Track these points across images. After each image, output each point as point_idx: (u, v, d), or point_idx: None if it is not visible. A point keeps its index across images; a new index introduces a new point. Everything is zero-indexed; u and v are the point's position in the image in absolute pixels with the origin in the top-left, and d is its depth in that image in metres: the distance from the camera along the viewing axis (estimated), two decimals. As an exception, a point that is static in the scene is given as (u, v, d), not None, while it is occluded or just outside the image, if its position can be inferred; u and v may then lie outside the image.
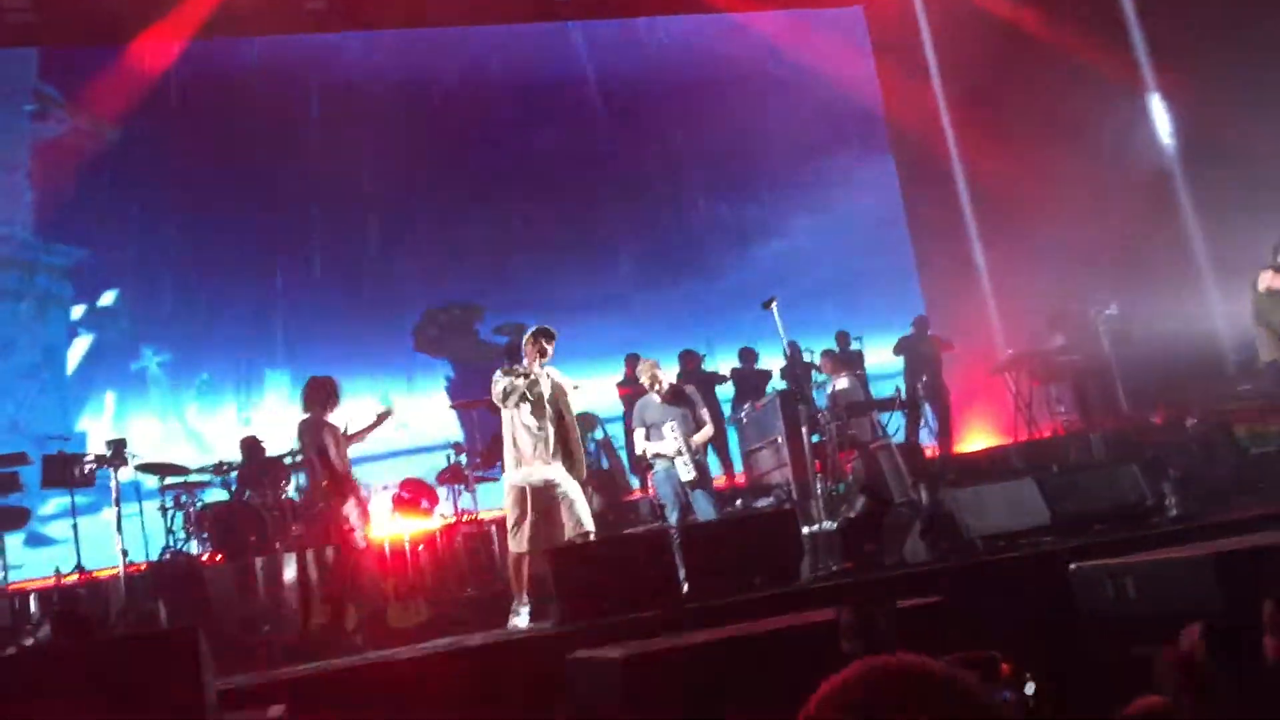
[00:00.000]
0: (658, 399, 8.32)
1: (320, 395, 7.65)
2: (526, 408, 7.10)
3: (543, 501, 7.05)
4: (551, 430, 7.12)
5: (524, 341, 7.24)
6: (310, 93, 13.33)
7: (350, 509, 7.55)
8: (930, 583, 5.90)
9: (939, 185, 15.18)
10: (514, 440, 7.13)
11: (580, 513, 7.03)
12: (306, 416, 7.70)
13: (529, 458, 7.07)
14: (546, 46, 15.04)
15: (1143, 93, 13.21)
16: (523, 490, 7.07)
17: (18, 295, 12.81)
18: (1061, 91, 12.70)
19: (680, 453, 8.09)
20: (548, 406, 7.14)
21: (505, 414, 7.20)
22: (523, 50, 14.79)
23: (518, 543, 7.04)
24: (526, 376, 7.11)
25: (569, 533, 6.98)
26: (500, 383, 7.14)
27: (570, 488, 7.07)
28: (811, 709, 1.37)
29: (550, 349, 7.19)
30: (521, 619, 6.96)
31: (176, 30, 12.80)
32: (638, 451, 8.48)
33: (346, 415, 7.86)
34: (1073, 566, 5.49)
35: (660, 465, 8.30)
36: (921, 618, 4.38)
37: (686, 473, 8.12)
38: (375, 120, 13.44)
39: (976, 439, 13.34)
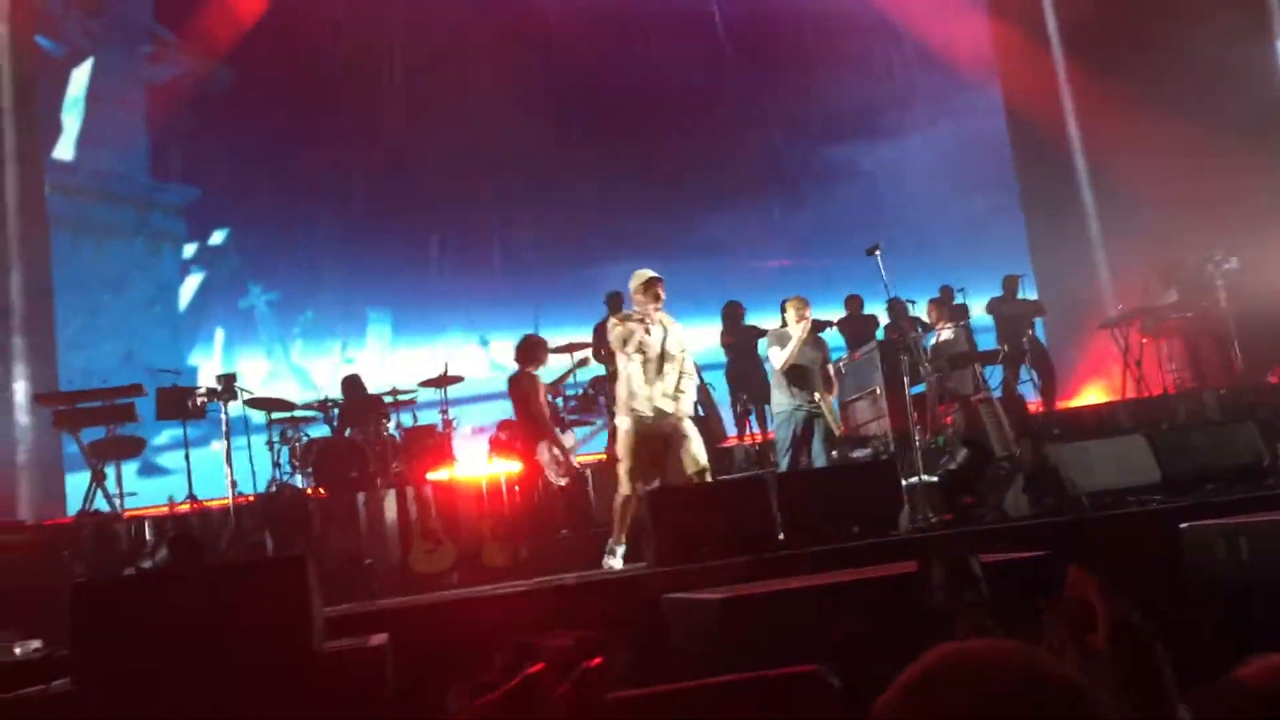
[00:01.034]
0: (801, 336, 8.40)
1: (531, 352, 8.64)
2: (643, 354, 7.11)
3: (655, 444, 7.10)
4: (669, 373, 7.14)
5: (636, 288, 7.21)
6: (418, 30, 13.30)
7: (543, 451, 8.47)
8: (1034, 537, 5.78)
9: (1049, 130, 14.72)
10: (629, 385, 7.15)
11: (697, 451, 7.09)
12: (517, 369, 8.67)
13: (644, 402, 7.08)
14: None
15: (1268, 35, 12.57)
16: (633, 434, 7.09)
17: (134, 232, 13.23)
18: (1181, 31, 12.11)
19: (815, 399, 8.20)
20: (665, 350, 7.14)
21: (620, 359, 7.24)
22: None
23: (625, 484, 7.09)
24: (642, 322, 7.13)
25: (688, 469, 7.03)
26: (617, 329, 7.17)
27: (688, 427, 7.14)
28: (879, 711, 1.18)
29: (663, 294, 7.17)
30: (616, 560, 7.03)
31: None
32: (787, 361, 8.50)
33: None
34: (1184, 526, 5.33)
35: (785, 406, 8.32)
36: (1026, 572, 4.29)
37: (832, 420, 8.25)
38: (480, 59, 13.39)
39: (1084, 396, 12.98)
